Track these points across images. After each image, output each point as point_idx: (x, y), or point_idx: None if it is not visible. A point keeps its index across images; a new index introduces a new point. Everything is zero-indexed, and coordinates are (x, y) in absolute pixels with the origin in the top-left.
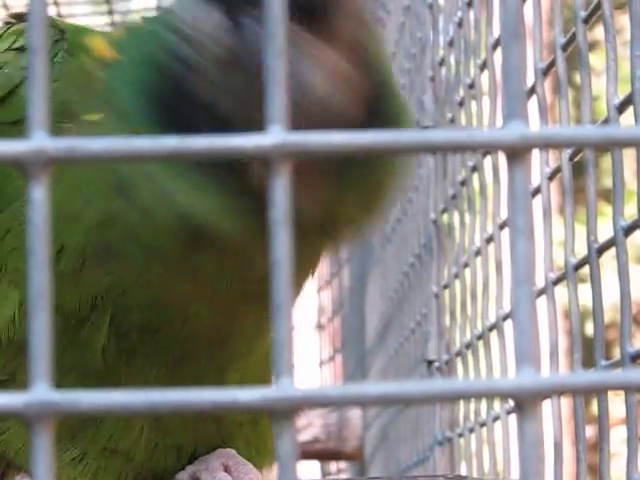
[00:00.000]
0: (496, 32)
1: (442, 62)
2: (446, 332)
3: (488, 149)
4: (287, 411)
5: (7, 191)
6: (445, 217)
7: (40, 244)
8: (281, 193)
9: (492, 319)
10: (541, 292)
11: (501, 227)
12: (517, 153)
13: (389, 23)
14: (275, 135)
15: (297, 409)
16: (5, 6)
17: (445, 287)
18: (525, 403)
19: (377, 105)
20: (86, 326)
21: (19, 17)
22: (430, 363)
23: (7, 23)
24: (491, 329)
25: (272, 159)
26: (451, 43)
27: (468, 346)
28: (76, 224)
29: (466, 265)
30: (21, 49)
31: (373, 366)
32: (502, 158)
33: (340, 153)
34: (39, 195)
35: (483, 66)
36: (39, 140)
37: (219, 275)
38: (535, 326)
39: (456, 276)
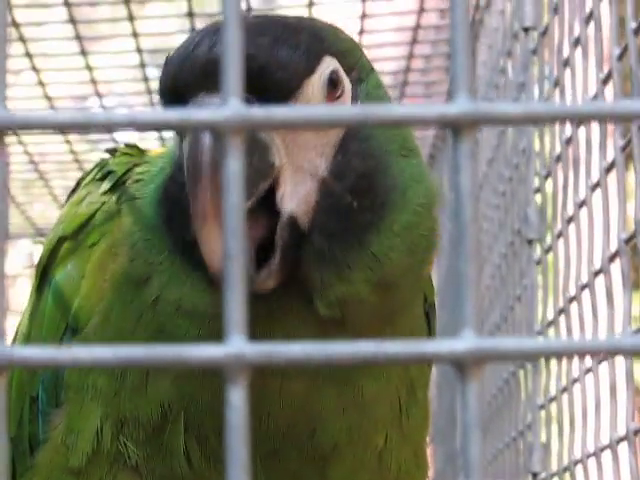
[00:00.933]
0: (610, 154)
1: (548, 175)
2: (551, 445)
3: None
4: None
5: (82, 318)
6: (551, 331)
7: (239, 447)
8: (473, 398)
9: (605, 440)
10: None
11: (613, 354)
12: None
13: (486, 128)
14: (467, 341)
15: None
16: (90, 141)
17: (552, 400)
18: None
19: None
20: (164, 434)
21: (112, 151)
22: (535, 475)
23: (107, 151)
24: (603, 450)
25: (465, 363)
26: (558, 158)
27: (577, 463)
28: (131, 340)
29: (575, 381)
30: (101, 179)
31: None
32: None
33: (529, 357)
34: (237, 398)
35: (595, 186)
36: (237, 345)
37: None
38: None
39: (564, 390)
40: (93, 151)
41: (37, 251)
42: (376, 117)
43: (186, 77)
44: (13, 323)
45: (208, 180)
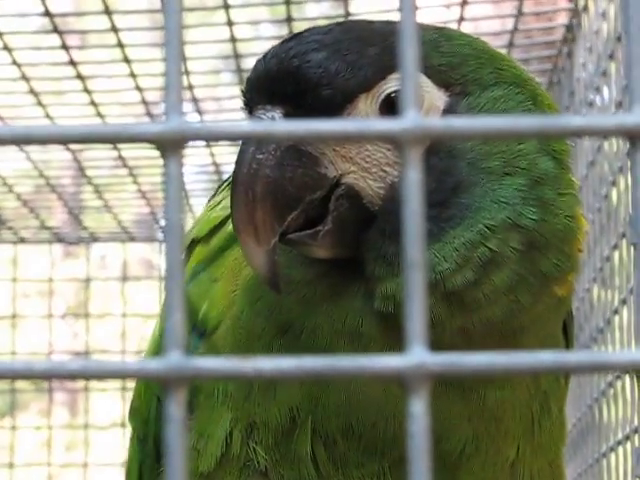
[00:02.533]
0: None
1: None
2: None
3: None
4: None
5: (211, 321)
6: None
7: (421, 455)
8: None
9: None
10: None
11: None
12: None
13: (577, 159)
14: None
15: None
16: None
17: None
18: None
19: None
20: (292, 438)
21: None
22: None
23: None
24: None
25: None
26: None
27: None
28: (261, 340)
29: None
30: None
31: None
32: None
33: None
34: (419, 408)
35: None
36: (419, 355)
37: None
38: None
39: None
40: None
41: (109, 253)
42: (553, 128)
43: (254, 88)
44: (89, 327)
45: (242, 192)
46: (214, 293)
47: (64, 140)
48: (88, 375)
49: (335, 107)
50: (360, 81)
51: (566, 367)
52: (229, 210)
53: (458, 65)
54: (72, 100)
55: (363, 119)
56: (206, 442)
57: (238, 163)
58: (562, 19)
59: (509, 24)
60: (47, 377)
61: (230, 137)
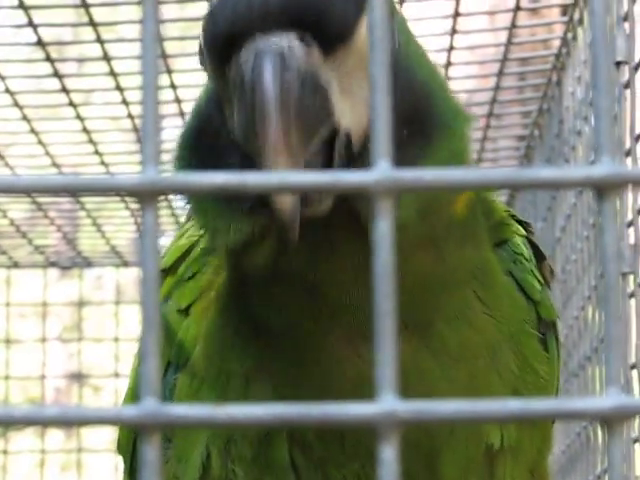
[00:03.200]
0: None
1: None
2: None
3: None
4: None
5: (185, 351)
6: None
7: None
8: (618, 454)
9: None
10: None
11: None
12: None
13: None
14: (613, 398)
15: None
16: None
17: None
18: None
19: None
20: (270, 447)
21: None
22: None
23: None
24: None
25: (612, 421)
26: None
27: None
28: (234, 348)
29: None
30: None
31: None
32: None
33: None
34: (389, 455)
35: None
36: (389, 403)
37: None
38: None
39: None
40: None
41: (105, 274)
42: (522, 180)
43: (253, 16)
44: (84, 350)
45: (279, 104)
46: (183, 324)
47: (40, 191)
48: (67, 421)
49: (346, 32)
50: (359, 5)
51: (533, 415)
52: (194, 238)
53: None
54: (65, 127)
55: (363, 42)
56: (185, 467)
57: (260, 75)
58: (552, 47)
59: (500, 53)
60: (26, 423)
61: (206, 189)
